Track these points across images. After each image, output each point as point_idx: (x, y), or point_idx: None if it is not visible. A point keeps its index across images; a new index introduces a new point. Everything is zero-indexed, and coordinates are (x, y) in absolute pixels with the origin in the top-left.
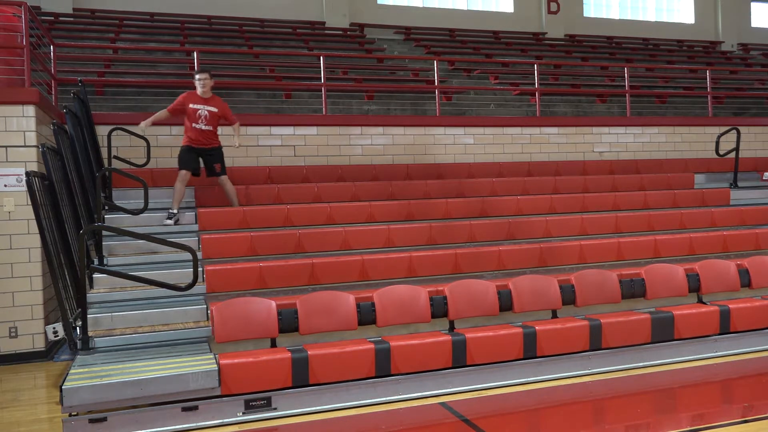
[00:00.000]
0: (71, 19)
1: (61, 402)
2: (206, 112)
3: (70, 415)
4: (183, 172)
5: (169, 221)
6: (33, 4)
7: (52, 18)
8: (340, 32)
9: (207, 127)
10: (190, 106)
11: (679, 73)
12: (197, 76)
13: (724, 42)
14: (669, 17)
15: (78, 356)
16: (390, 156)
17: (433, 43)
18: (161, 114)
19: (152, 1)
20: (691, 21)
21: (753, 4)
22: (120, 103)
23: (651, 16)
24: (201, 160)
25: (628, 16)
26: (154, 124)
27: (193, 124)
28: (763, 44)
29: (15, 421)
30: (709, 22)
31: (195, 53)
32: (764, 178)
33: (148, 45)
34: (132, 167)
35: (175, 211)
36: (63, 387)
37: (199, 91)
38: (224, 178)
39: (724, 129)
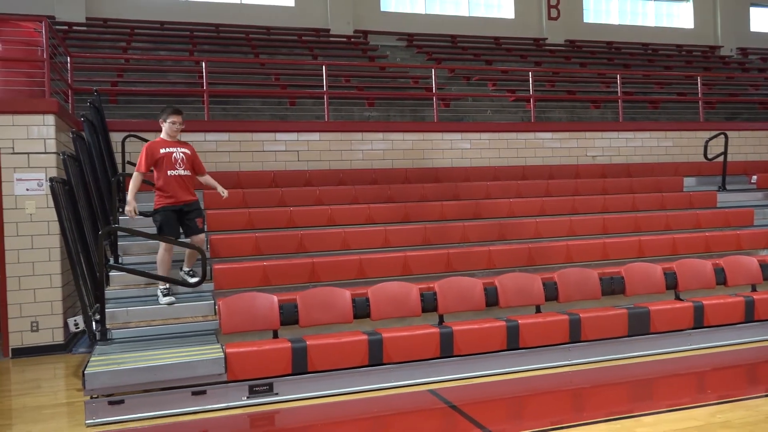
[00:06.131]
0: (84, 28)
1: (84, 385)
2: (181, 154)
3: (92, 398)
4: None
5: (167, 299)
6: (47, 14)
7: (66, 27)
8: (344, 39)
9: (186, 172)
10: (162, 151)
11: (675, 78)
12: (171, 119)
13: (723, 47)
14: (669, 22)
15: (97, 346)
16: (389, 161)
17: (435, 49)
18: (137, 181)
19: (162, 10)
20: (690, 26)
21: (752, 9)
22: (132, 111)
23: (651, 22)
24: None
25: (628, 21)
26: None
27: (170, 172)
28: (761, 48)
29: (39, 405)
30: (709, 27)
31: (203, 63)
32: (752, 181)
33: (159, 54)
34: None
35: (167, 285)
36: (85, 372)
37: (169, 135)
38: (203, 237)
39: (714, 133)
